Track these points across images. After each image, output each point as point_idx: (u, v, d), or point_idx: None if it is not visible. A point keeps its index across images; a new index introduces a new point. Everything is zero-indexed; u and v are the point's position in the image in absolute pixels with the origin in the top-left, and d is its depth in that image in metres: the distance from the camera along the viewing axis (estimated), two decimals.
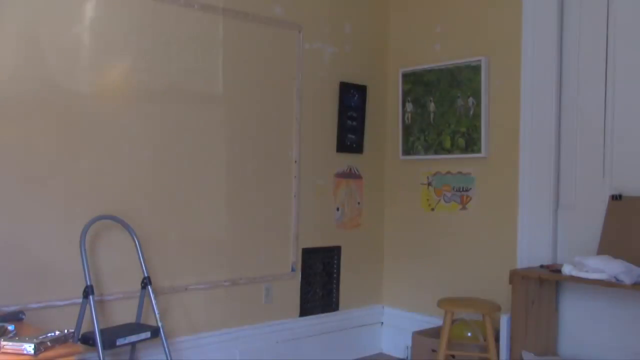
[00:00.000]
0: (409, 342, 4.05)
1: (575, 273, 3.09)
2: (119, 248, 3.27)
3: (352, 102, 4.36)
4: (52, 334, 2.38)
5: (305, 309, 4.15)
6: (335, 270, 4.32)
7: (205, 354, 3.62)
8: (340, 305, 4.35)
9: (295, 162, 4.06)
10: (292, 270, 4.08)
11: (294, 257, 4.07)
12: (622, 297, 3.31)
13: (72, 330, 2.51)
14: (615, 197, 3.32)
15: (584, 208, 3.53)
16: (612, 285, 2.95)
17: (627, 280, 2.89)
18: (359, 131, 4.41)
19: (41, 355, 2.25)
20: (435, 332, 3.87)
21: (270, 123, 3.94)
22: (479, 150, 3.95)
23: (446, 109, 4.13)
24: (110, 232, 3.25)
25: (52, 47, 3.06)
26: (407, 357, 4.33)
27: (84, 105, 3.16)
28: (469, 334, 3.65)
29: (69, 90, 3.11)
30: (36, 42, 3.01)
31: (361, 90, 4.41)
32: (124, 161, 3.30)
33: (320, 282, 4.24)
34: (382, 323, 4.57)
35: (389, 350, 4.51)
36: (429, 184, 4.31)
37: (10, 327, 2.48)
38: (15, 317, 2.69)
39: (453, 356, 3.59)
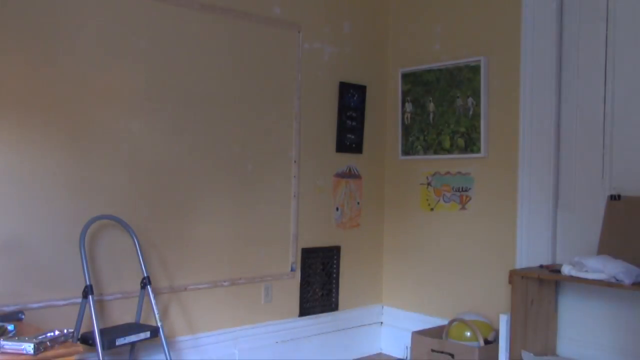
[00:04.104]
0: (409, 342, 4.05)
1: (574, 273, 3.09)
2: (118, 248, 3.28)
3: (351, 102, 4.36)
4: (52, 333, 2.39)
5: (305, 309, 4.15)
6: (334, 270, 4.32)
7: (204, 354, 3.62)
8: (340, 305, 4.35)
9: (295, 162, 4.06)
10: (292, 270, 4.08)
11: (293, 257, 4.07)
12: (621, 297, 3.32)
13: (72, 330, 2.51)
14: (614, 197, 3.32)
15: (583, 208, 3.53)
16: (611, 285, 2.95)
17: (627, 280, 2.89)
18: (359, 131, 4.41)
19: (40, 355, 2.25)
20: (434, 332, 3.87)
21: (270, 123, 3.94)
22: (478, 150, 3.95)
23: (445, 109, 4.13)
24: (110, 232, 3.25)
25: (53, 48, 3.06)
26: (406, 357, 4.33)
27: (83, 105, 3.16)
28: (469, 334, 3.66)
29: (69, 91, 3.11)
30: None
31: (361, 90, 4.41)
32: (123, 161, 3.30)
33: (319, 282, 4.24)
34: (382, 323, 4.57)
35: (389, 350, 4.51)
36: (429, 184, 4.31)
37: (10, 327, 2.48)
38: (15, 317, 2.69)
39: (452, 356, 3.60)
